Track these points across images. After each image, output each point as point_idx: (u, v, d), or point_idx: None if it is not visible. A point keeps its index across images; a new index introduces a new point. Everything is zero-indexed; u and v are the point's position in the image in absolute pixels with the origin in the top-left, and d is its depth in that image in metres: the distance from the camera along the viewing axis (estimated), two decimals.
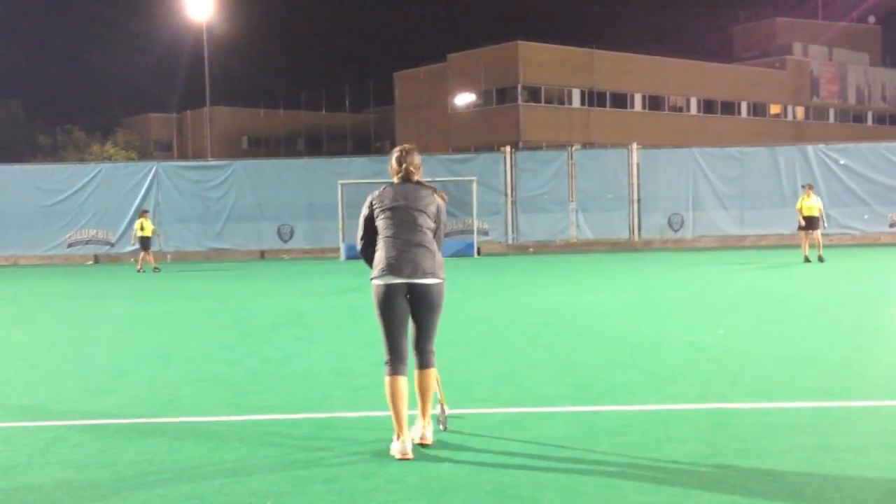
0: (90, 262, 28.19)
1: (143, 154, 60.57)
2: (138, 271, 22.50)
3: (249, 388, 6.91)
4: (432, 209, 5.08)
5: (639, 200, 28.62)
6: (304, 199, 28.46)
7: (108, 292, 17.39)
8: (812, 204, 19.30)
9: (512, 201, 28.43)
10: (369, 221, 5.14)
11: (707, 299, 12.99)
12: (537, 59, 56.02)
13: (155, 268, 22.91)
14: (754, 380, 6.80)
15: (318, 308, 13.13)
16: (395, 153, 5.18)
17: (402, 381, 4.96)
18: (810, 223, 19.33)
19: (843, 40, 70.90)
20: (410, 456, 4.80)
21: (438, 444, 5.10)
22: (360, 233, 5.19)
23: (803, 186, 20.75)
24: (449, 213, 28.10)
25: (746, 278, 16.29)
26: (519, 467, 4.62)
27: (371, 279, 5.05)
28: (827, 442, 4.96)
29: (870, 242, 27.91)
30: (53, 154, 58.70)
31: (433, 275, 4.99)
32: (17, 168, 30.64)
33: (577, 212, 28.47)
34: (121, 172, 29.29)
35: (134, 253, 24.58)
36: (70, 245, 28.40)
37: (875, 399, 6.12)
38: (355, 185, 27.25)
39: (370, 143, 71.98)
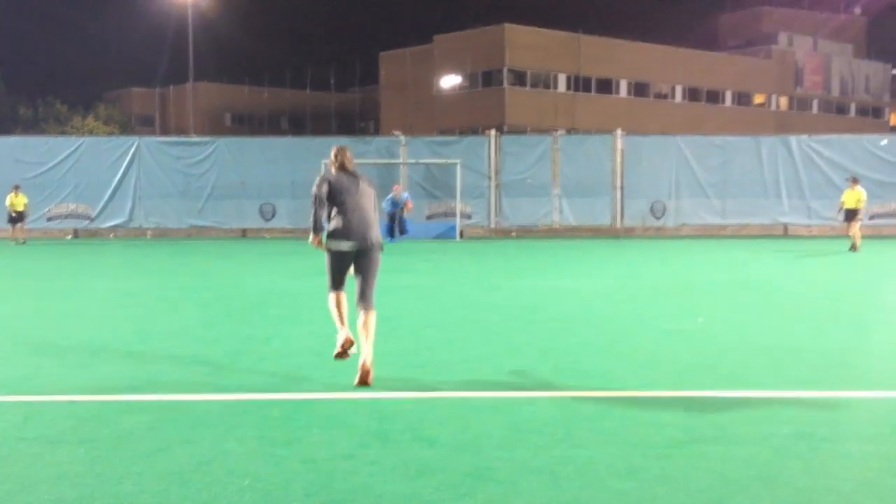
0: (69, 237, 27.97)
1: (125, 129, 59.99)
2: (13, 244, 23.76)
3: (229, 367, 6.88)
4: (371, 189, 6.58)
5: (622, 187, 28.68)
6: (287, 177, 28.27)
7: (88, 267, 17.25)
8: (854, 196, 20.05)
9: (496, 185, 28.40)
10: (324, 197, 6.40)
11: (687, 287, 13.06)
12: (524, 43, 55.90)
13: (23, 241, 24.14)
14: (733, 367, 6.85)
15: (299, 288, 13.07)
16: (333, 150, 6.61)
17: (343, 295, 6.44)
18: (847, 214, 20.18)
19: (828, 31, 71.18)
20: (353, 340, 6.17)
21: (417, 425, 5.10)
22: (316, 205, 6.41)
23: (847, 179, 21.53)
24: (432, 196, 28.19)
25: (727, 267, 16.39)
26: (497, 451, 4.63)
27: (328, 237, 6.28)
28: (804, 430, 5.01)
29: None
30: (34, 126, 58.00)
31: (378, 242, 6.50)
32: None
33: (560, 197, 28.49)
34: (102, 146, 29.00)
35: (14, 230, 24.63)
36: (49, 219, 28.13)
37: (853, 389, 6.18)
38: None
39: (354, 123, 71.68)
